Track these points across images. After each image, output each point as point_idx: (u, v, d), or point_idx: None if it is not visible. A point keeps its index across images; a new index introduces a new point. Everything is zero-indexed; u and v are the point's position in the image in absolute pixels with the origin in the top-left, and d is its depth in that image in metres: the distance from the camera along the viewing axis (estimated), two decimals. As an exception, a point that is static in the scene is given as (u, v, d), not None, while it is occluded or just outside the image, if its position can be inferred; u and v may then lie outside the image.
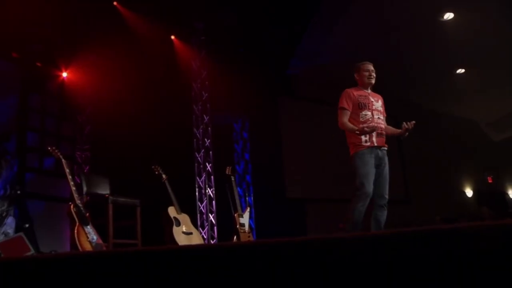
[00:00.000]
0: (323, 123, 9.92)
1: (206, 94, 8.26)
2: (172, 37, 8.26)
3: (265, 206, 8.61)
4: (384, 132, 4.32)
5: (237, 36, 8.08)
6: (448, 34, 8.26)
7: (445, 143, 11.70)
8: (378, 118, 4.33)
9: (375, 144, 4.21)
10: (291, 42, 8.52)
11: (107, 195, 5.12)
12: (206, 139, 8.06)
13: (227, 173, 6.63)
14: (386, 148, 4.31)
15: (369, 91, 4.46)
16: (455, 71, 10.10)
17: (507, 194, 12.54)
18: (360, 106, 4.30)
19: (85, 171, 7.98)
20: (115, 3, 7.55)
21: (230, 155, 9.17)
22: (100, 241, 4.47)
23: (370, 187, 4.09)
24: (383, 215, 4.16)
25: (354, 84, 4.54)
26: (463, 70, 10.08)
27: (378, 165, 4.21)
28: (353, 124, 4.27)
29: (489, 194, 11.95)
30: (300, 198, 9.05)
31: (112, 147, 7.54)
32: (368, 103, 4.33)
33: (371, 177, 4.13)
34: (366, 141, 4.19)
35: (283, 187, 8.93)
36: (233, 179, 6.63)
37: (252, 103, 8.75)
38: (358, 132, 4.13)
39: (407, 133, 4.24)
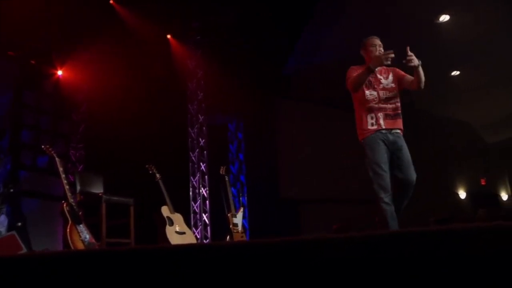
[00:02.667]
0: (318, 123, 9.95)
1: (202, 94, 8.27)
2: (168, 36, 8.25)
3: (259, 207, 8.62)
4: (393, 113, 3.93)
5: (233, 35, 8.07)
6: (443, 36, 8.28)
7: (438, 145, 11.73)
8: (387, 98, 3.94)
9: (383, 127, 3.85)
10: (288, 41, 8.51)
11: (100, 194, 5.09)
12: (200, 139, 8.06)
13: (221, 173, 6.62)
14: (398, 131, 3.92)
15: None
16: (450, 73, 10.13)
17: (500, 196, 12.59)
18: (365, 84, 3.92)
19: (79, 169, 7.97)
20: (111, 1, 7.53)
21: (225, 155, 9.18)
22: (93, 240, 4.46)
23: (386, 175, 3.73)
24: (405, 201, 3.87)
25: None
26: (458, 72, 10.11)
27: (394, 150, 3.84)
28: (358, 107, 4.00)
29: (483, 196, 11.99)
30: (294, 199, 9.06)
31: (106, 145, 7.53)
32: (374, 82, 3.96)
33: (385, 164, 3.76)
34: (372, 124, 3.85)
35: (277, 187, 8.94)
36: (227, 179, 6.61)
37: (248, 104, 8.76)
38: (370, 67, 3.75)
39: (412, 61, 3.75)
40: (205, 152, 8.04)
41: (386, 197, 3.69)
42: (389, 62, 3.73)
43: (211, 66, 8.18)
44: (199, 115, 8.14)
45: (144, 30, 7.42)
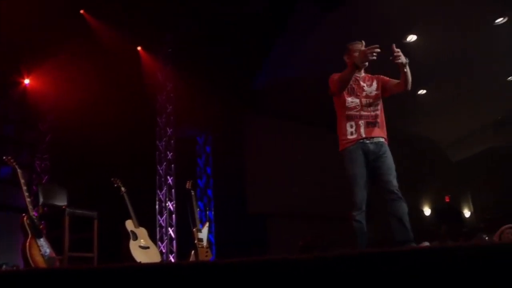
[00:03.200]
0: (287, 138, 10.00)
1: (171, 107, 8.23)
2: (139, 48, 8.21)
3: (226, 221, 8.60)
4: (374, 121, 3.80)
5: (204, 49, 8.08)
6: (410, 55, 8.44)
7: (404, 162, 11.88)
8: (369, 106, 3.82)
9: (363, 136, 3.72)
10: (258, 56, 8.55)
11: (64, 207, 5.00)
12: (168, 152, 8.02)
13: (187, 187, 6.54)
14: (381, 140, 3.78)
15: (362, 74, 3.93)
16: (416, 92, 10.32)
17: (463, 213, 12.82)
18: (348, 91, 3.81)
19: (44, 180, 7.82)
20: (82, 11, 7.47)
21: (192, 169, 9.14)
22: (53, 255, 4.37)
23: (360, 192, 3.62)
24: (399, 207, 3.60)
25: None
26: (424, 91, 10.31)
27: (376, 158, 3.69)
28: (339, 115, 3.87)
29: (448, 213, 12.19)
30: (261, 213, 9.05)
31: (72, 157, 7.42)
32: (357, 89, 3.84)
33: (361, 179, 3.63)
34: (352, 133, 3.73)
35: (244, 202, 8.93)
36: (193, 193, 6.51)
37: (217, 118, 8.76)
38: (355, 65, 3.60)
39: (399, 58, 3.62)
40: (172, 165, 8.00)
41: (358, 215, 3.59)
42: (374, 57, 3.54)
43: (181, 80, 8.16)
44: (168, 128, 8.11)
45: (114, 40, 7.37)
